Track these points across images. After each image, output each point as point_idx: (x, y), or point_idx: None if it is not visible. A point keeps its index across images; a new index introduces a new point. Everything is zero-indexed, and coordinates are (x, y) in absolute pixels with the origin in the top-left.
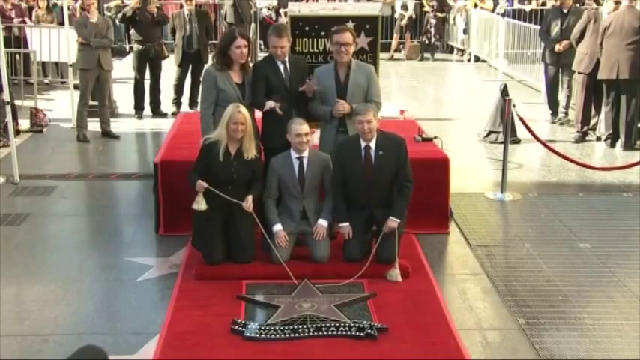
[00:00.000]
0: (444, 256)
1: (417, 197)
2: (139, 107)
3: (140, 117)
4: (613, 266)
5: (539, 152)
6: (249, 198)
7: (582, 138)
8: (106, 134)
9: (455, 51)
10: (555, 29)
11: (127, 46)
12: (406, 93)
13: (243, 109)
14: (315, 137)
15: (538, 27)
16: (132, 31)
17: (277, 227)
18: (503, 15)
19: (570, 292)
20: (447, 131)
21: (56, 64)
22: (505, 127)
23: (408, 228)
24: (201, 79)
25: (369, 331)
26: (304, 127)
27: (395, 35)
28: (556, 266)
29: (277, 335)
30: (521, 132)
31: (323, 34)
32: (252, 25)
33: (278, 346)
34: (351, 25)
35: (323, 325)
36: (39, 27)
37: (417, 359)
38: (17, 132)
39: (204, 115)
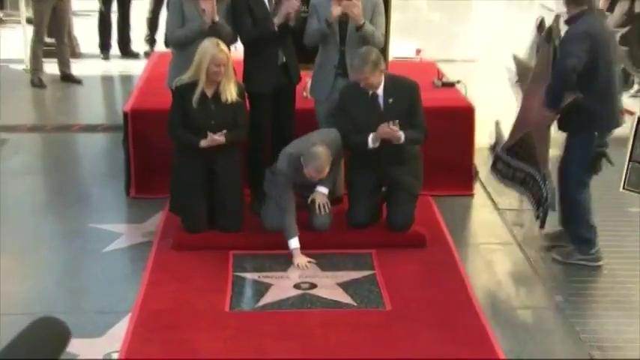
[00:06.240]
0: (467, 222)
1: (435, 153)
2: (104, 46)
3: (106, 57)
4: None
5: None
6: (224, 133)
7: None
8: (66, 78)
9: None
10: None
11: None
12: (424, 29)
13: (224, 47)
14: (309, 83)
15: None
16: None
17: (294, 243)
18: None
19: (617, 264)
20: (472, 74)
21: None
22: None
23: (425, 189)
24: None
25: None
26: (322, 175)
27: None
28: (601, 234)
29: None
30: None
31: None
32: None
33: (272, 327)
34: None
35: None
36: None
37: (435, 344)
38: None
39: (178, 40)
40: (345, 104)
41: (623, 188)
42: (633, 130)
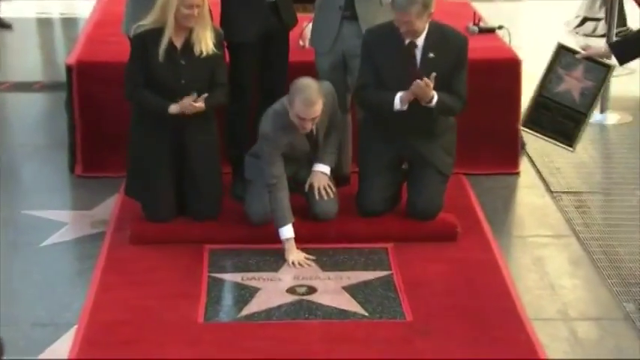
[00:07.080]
0: (511, 208)
1: (471, 118)
2: None
3: None
4: None
5: None
6: (204, 97)
7: None
8: None
9: None
10: None
11: None
12: None
13: None
14: (307, 30)
15: None
16: None
17: (287, 232)
18: None
19: None
20: (517, 18)
21: None
22: (609, 11)
23: (456, 166)
24: None
25: None
26: (314, 110)
27: None
28: None
29: None
30: (633, 18)
31: None
32: None
33: (258, 343)
34: None
35: None
36: None
37: None
38: None
39: None
40: (369, 51)
41: (523, 126)
42: (550, 59)
